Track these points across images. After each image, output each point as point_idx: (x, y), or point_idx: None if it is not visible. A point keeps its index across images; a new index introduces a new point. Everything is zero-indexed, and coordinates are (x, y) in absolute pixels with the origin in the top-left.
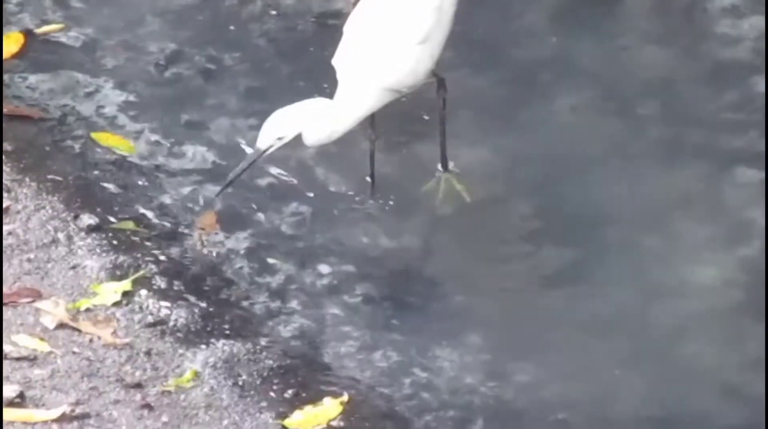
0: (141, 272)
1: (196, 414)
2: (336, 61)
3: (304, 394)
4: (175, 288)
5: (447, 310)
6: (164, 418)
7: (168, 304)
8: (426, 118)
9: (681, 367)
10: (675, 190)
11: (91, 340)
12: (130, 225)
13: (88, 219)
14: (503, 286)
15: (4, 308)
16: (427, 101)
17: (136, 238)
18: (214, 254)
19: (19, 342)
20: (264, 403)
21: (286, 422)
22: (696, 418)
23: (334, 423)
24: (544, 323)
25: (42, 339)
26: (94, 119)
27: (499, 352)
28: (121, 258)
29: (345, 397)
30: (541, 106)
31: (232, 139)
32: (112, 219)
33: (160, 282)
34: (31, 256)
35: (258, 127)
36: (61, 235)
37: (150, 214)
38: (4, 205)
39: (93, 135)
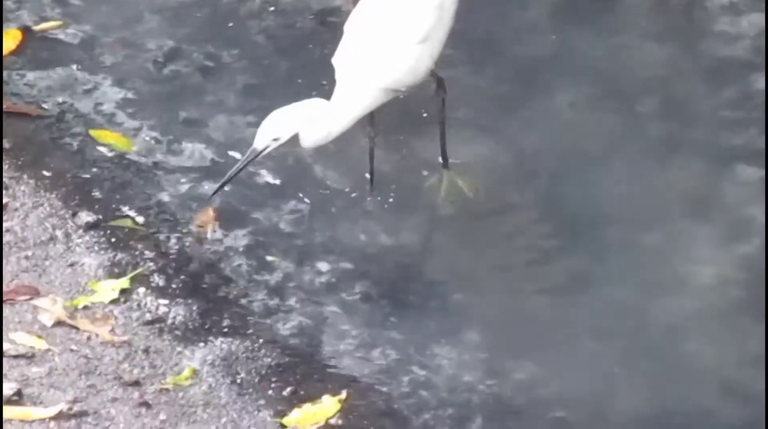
0: (139, 270)
1: (195, 412)
2: (335, 60)
3: (302, 392)
4: (173, 286)
5: (445, 307)
6: (162, 416)
7: (166, 301)
8: (425, 115)
9: (680, 365)
10: (674, 187)
11: (88, 338)
12: (128, 222)
13: (86, 216)
14: (501, 284)
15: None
16: (426, 99)
17: (134, 236)
18: (212, 252)
19: (16, 339)
20: (262, 401)
21: (285, 420)
22: (695, 416)
23: (332, 421)
24: (542, 321)
25: (40, 336)
26: (92, 116)
27: (497, 350)
28: (119, 255)
29: (343, 395)
30: (541, 103)
31: (230, 136)
32: (110, 216)
33: (158, 279)
34: (29, 253)
35: (256, 125)
36: (59, 233)
37: (148, 212)
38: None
39: (91, 132)
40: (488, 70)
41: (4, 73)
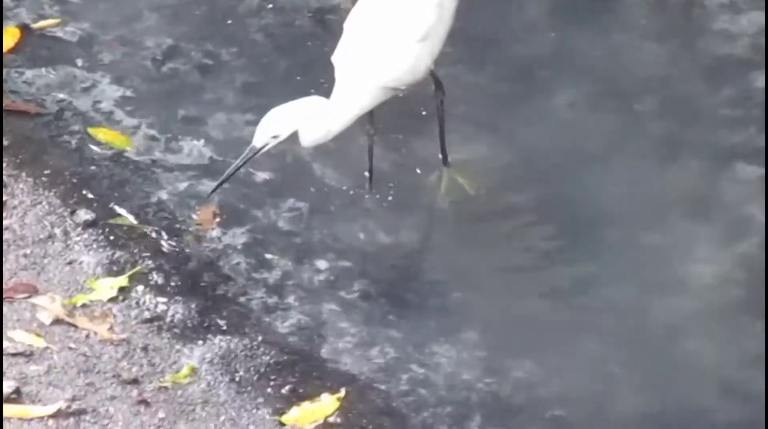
0: (137, 268)
1: (193, 410)
2: (335, 58)
3: (301, 390)
4: (172, 284)
5: (444, 306)
6: (161, 414)
7: (165, 299)
8: (424, 113)
9: (679, 364)
10: (674, 186)
11: (87, 336)
12: (126, 220)
13: (84, 214)
14: (500, 282)
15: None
16: (425, 97)
17: (133, 234)
18: (211, 250)
19: (15, 338)
20: (261, 399)
21: (283, 418)
22: (694, 415)
23: (331, 419)
24: (540, 320)
25: (38, 335)
26: (90, 114)
27: (496, 348)
28: (118, 253)
29: (342, 393)
30: (540, 102)
31: (229, 134)
32: (108, 214)
33: (157, 278)
34: (28, 251)
35: (255, 123)
36: (57, 231)
37: (147, 210)
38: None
39: (90, 130)
40: (488, 69)
41: (3, 71)
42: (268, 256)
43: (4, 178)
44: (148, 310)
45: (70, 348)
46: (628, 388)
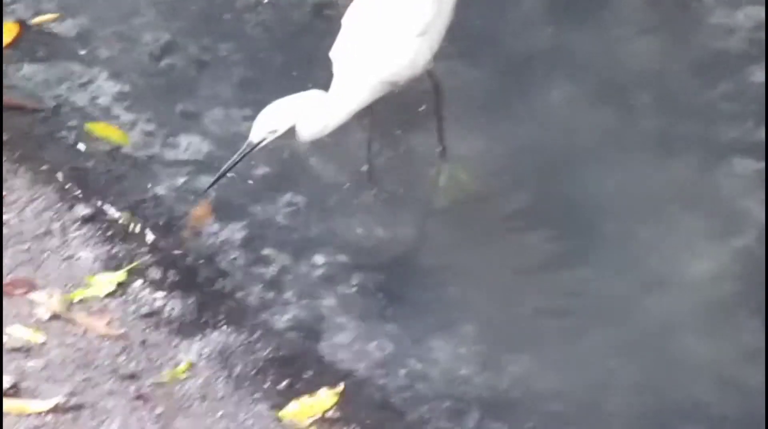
0: (135, 263)
1: (191, 405)
2: (333, 53)
3: (298, 385)
4: (170, 279)
5: (442, 300)
6: (159, 410)
7: (162, 295)
8: (422, 109)
9: (676, 359)
10: (670, 180)
11: (85, 331)
12: (124, 215)
13: (82, 209)
14: (498, 277)
15: None
16: (423, 92)
17: (131, 229)
18: (209, 245)
19: (13, 333)
20: (259, 394)
21: (281, 413)
22: (691, 410)
23: (329, 414)
24: (538, 314)
25: (36, 330)
26: (88, 110)
27: (493, 343)
28: (116, 249)
29: (340, 388)
30: (536, 96)
31: (226, 129)
32: (106, 210)
33: (155, 273)
34: (26, 246)
35: (252, 118)
36: (55, 226)
37: (144, 205)
38: None
39: (87, 125)
40: (483, 64)
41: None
42: (266, 251)
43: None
44: (145, 305)
45: (68, 343)
46: (625, 382)
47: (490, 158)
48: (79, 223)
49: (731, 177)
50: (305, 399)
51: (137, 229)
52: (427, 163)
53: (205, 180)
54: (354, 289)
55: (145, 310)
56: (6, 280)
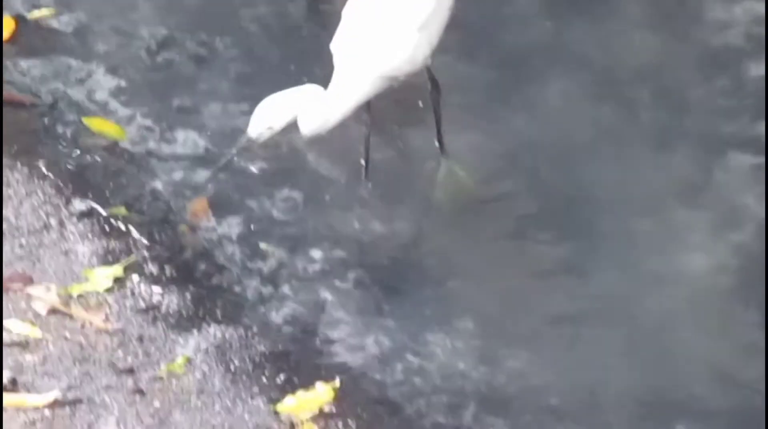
0: (132, 258)
1: (188, 399)
2: (334, 46)
3: (296, 380)
4: (167, 273)
5: (439, 295)
6: (156, 404)
7: (160, 289)
8: (420, 104)
9: (673, 353)
10: (667, 175)
11: (82, 326)
12: (121, 210)
13: (79, 204)
14: (495, 272)
15: None
16: (422, 88)
17: (128, 224)
18: (206, 240)
19: (10, 327)
20: (256, 389)
21: (278, 407)
22: (688, 404)
23: (326, 408)
24: (536, 309)
25: (34, 324)
26: (85, 104)
27: (491, 337)
28: (113, 243)
29: (337, 383)
30: (534, 91)
31: (223, 124)
32: (103, 204)
33: (152, 267)
34: (23, 241)
35: (250, 113)
36: (52, 221)
37: (141, 200)
38: None
39: (84, 120)
40: (481, 58)
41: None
42: (263, 245)
43: None
44: (143, 299)
45: (66, 338)
46: (622, 376)
47: (488, 153)
48: (76, 217)
49: (728, 171)
50: (302, 393)
51: (135, 224)
52: (425, 159)
53: (202, 174)
54: (351, 284)
55: (142, 304)
56: (4, 274)
